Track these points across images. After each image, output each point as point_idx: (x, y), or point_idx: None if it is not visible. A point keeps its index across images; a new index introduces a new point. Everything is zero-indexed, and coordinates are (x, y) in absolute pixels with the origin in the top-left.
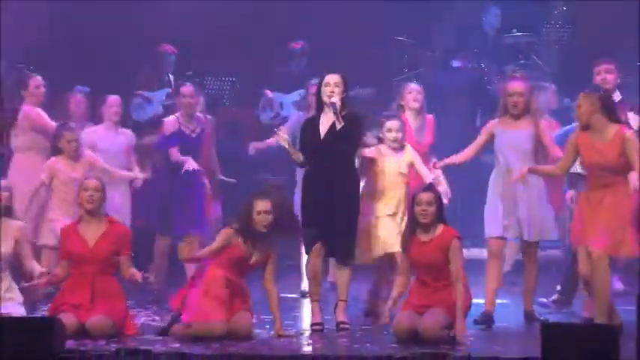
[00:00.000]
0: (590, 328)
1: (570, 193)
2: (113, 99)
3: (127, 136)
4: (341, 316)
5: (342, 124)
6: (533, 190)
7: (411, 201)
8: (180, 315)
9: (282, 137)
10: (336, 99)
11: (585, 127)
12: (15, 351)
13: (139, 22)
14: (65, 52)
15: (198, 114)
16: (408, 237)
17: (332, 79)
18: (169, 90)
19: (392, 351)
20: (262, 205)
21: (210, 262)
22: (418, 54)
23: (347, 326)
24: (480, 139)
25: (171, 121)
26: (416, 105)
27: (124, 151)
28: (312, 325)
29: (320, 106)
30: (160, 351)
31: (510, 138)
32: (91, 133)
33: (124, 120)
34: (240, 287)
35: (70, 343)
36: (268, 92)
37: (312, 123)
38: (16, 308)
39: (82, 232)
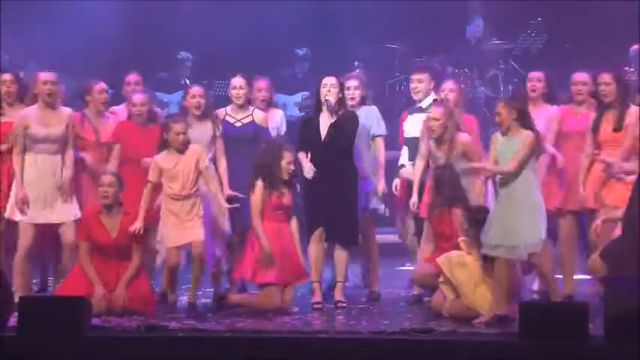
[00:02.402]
0: (562, 305)
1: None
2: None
3: None
4: (339, 296)
5: (335, 118)
6: None
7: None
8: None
9: (310, 169)
10: (330, 97)
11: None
12: (46, 328)
13: (159, 31)
14: (89, 55)
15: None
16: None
17: (329, 80)
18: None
19: (384, 327)
20: (289, 156)
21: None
22: (408, 59)
23: (344, 305)
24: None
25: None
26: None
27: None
28: (313, 303)
29: (319, 106)
30: (176, 327)
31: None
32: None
33: None
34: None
35: (95, 320)
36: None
37: (312, 122)
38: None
39: (104, 223)
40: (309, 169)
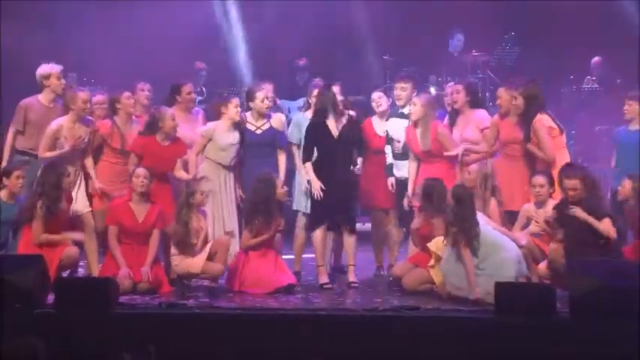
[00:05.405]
0: (533, 286)
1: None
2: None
3: None
4: (351, 277)
5: (346, 122)
6: None
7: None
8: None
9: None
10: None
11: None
12: (79, 305)
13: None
14: (113, 63)
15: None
16: None
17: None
18: (201, 98)
19: (376, 304)
20: (279, 182)
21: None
22: (398, 69)
23: (356, 285)
24: None
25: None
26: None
27: None
28: (321, 284)
29: (328, 112)
30: (193, 304)
31: None
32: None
33: None
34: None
35: (123, 298)
36: (277, 99)
37: (321, 126)
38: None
39: (133, 209)
40: (317, 188)
